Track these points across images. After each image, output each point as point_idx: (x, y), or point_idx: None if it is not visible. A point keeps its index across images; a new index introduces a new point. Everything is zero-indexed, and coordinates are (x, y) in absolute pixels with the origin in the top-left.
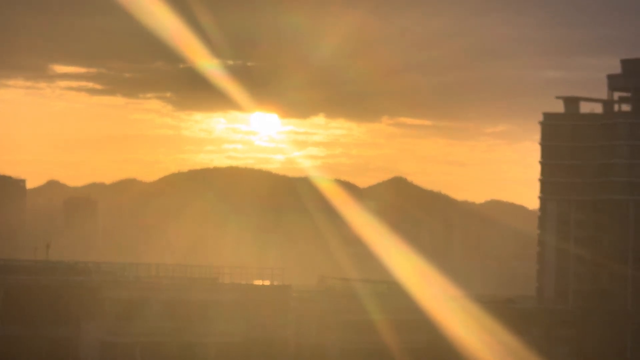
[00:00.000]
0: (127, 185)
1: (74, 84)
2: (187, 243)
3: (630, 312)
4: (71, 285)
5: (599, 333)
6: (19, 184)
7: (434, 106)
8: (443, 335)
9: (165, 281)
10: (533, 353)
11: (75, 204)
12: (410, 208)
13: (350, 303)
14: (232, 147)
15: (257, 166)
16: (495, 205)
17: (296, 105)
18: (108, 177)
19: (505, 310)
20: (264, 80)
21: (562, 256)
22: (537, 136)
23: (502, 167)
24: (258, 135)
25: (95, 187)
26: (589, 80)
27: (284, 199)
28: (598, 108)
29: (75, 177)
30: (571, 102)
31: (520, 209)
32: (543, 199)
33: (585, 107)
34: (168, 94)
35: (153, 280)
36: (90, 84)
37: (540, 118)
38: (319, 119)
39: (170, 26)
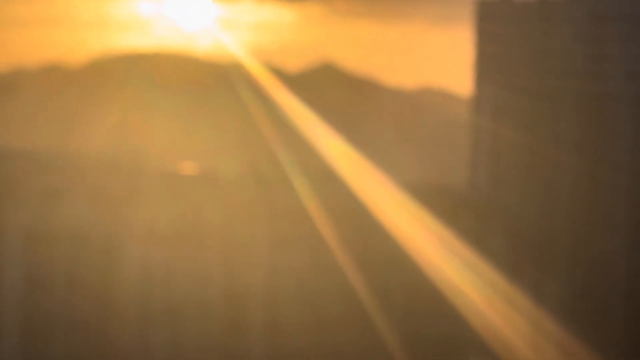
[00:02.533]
0: (51, 71)
1: None
2: (113, 129)
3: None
4: None
5: (534, 222)
6: None
7: None
8: (375, 223)
9: (91, 168)
10: (466, 243)
11: None
12: (341, 95)
13: (281, 191)
14: (159, 32)
15: (185, 51)
16: (428, 92)
17: None
18: (31, 61)
19: (437, 198)
20: None
21: (497, 143)
22: (472, 20)
23: (435, 52)
24: (186, 20)
25: (18, 73)
26: None
27: (213, 84)
28: None
29: None
30: None
31: (453, 96)
32: (477, 85)
33: None
34: None
35: (78, 167)
36: None
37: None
38: (248, 2)
39: None
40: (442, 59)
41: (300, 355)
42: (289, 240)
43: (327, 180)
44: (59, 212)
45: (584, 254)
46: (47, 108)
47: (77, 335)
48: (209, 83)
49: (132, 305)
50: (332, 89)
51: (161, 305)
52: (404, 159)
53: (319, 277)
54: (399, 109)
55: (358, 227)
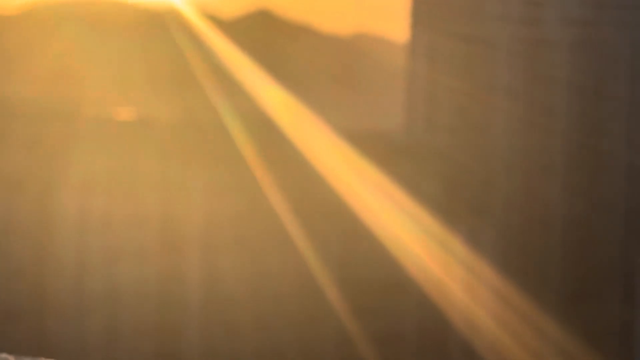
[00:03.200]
0: None
1: None
2: (49, 75)
3: (501, 146)
4: None
5: (470, 167)
6: None
7: None
8: (311, 169)
9: (25, 115)
10: (402, 189)
11: None
12: (276, 41)
13: (217, 137)
14: None
15: None
16: (364, 38)
17: None
18: None
19: (373, 143)
20: None
21: (432, 88)
22: None
23: None
24: None
25: None
26: None
27: (148, 30)
28: None
29: None
30: None
31: (389, 42)
32: (413, 30)
33: None
34: None
35: (12, 114)
36: None
37: None
38: None
39: None
40: (377, 5)
41: (238, 302)
42: (225, 186)
43: (263, 126)
44: None
45: (520, 199)
46: None
47: (11, 282)
48: (144, 29)
49: (68, 251)
50: (268, 35)
51: (97, 252)
52: (340, 105)
53: (256, 223)
54: (335, 55)
55: (294, 173)
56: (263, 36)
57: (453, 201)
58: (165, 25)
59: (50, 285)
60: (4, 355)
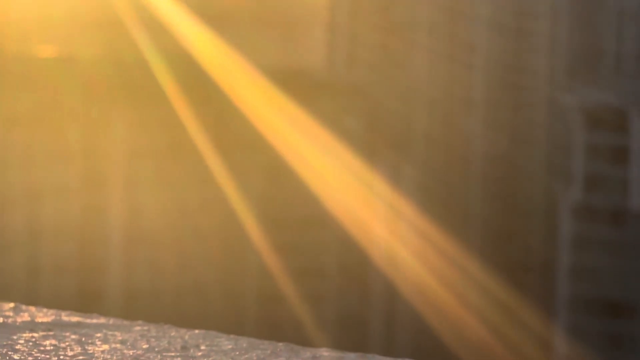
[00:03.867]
0: None
1: None
2: None
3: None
4: None
5: (389, 104)
6: None
7: None
8: (233, 106)
9: None
10: (323, 124)
11: None
12: None
13: (139, 73)
14: None
15: None
16: None
17: None
18: None
19: (295, 81)
20: None
21: (353, 25)
22: None
23: None
24: None
25: None
26: None
27: None
28: None
29: None
30: None
31: None
32: None
33: None
34: None
35: None
36: None
37: None
38: None
39: None
40: None
41: (159, 239)
42: (147, 123)
43: (186, 64)
44: None
45: (441, 135)
46: None
47: None
48: None
49: None
50: None
51: (20, 188)
52: (262, 43)
53: (178, 159)
54: None
55: (216, 110)
56: None
57: (374, 137)
58: None
59: None
60: None
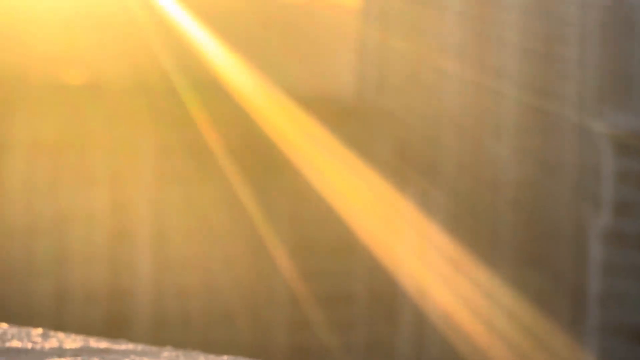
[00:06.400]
0: None
1: None
2: None
3: (449, 108)
4: None
5: (420, 129)
6: None
7: None
8: (261, 132)
9: None
10: (351, 149)
11: None
12: (227, 4)
13: (167, 99)
14: None
15: None
16: (316, 2)
17: None
18: None
19: (324, 107)
20: None
21: (384, 51)
22: None
23: None
24: None
25: None
26: None
27: None
28: None
29: None
30: None
31: (341, 6)
32: None
33: None
34: None
35: None
36: None
37: None
38: None
39: None
40: None
41: (187, 265)
42: (174, 148)
43: (213, 89)
44: None
45: (470, 161)
46: None
47: None
48: None
49: (17, 215)
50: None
51: (46, 216)
52: (291, 68)
53: (205, 184)
54: (287, 18)
55: (244, 136)
56: None
57: (403, 163)
58: None
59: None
60: None
